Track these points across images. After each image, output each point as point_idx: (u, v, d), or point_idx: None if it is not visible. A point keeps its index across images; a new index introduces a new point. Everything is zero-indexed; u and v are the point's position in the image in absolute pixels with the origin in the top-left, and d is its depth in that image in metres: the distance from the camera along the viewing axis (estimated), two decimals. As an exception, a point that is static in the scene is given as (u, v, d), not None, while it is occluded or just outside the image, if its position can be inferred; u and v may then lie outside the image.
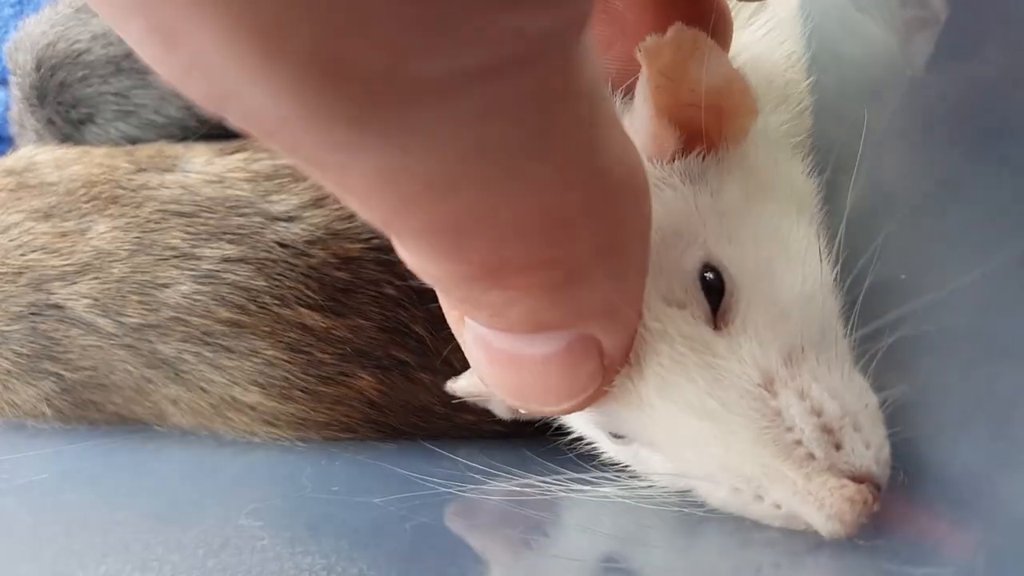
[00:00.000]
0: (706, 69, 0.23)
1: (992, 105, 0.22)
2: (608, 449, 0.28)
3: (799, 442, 0.22)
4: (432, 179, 0.14)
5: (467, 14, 0.12)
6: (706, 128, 0.25)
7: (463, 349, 0.20)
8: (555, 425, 0.32)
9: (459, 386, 0.34)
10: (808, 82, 0.32)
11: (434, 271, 0.17)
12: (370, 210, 0.15)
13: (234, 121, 0.13)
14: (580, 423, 0.29)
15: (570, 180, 0.15)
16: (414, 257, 0.17)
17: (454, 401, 0.35)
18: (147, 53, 0.13)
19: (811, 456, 0.22)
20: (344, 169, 0.14)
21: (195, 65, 0.12)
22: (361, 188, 0.14)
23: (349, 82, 0.12)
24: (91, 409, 0.42)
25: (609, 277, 0.18)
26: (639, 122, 0.24)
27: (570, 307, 0.18)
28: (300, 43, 0.12)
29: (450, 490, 0.29)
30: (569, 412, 0.21)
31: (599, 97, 0.15)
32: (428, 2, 0.12)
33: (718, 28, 0.25)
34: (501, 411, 0.35)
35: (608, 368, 0.20)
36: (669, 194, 0.25)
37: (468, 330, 0.19)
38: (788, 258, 0.24)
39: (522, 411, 0.22)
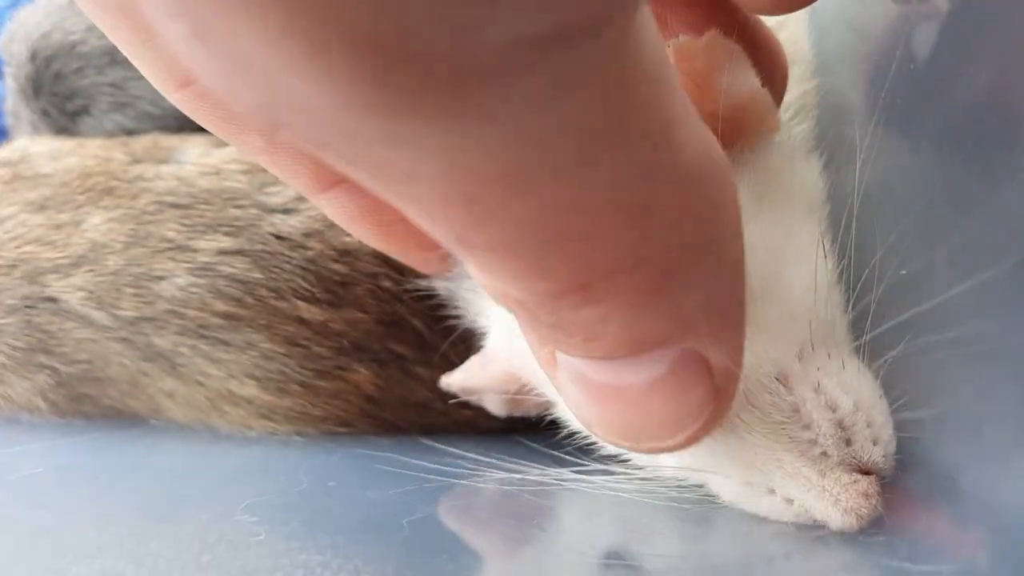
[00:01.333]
0: (731, 81, 0.23)
1: (994, 104, 0.22)
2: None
3: (814, 441, 0.22)
4: (506, 175, 0.13)
5: None
6: (721, 136, 0.25)
7: (561, 394, 0.19)
8: (548, 419, 0.32)
9: (453, 380, 0.34)
10: (815, 84, 0.32)
11: (518, 291, 0.15)
12: (442, 222, 0.14)
13: (287, 134, 0.12)
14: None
15: (651, 161, 0.14)
16: (494, 278, 0.15)
17: (452, 401, 0.35)
18: (187, 60, 0.12)
19: (825, 454, 0.22)
20: (411, 176, 0.13)
21: (238, 68, 0.11)
22: (430, 196, 0.13)
23: (408, 63, 0.11)
24: (86, 403, 0.42)
25: (706, 274, 0.16)
26: None
27: (669, 315, 0.16)
28: (350, 23, 0.11)
29: (448, 484, 0.29)
30: (683, 447, 0.19)
31: (667, 70, 0.14)
32: None
33: (776, 72, 0.25)
34: (495, 407, 0.34)
35: (721, 390, 0.18)
36: None
37: (562, 368, 0.18)
38: (796, 256, 0.24)
39: (631, 452, 0.20)
